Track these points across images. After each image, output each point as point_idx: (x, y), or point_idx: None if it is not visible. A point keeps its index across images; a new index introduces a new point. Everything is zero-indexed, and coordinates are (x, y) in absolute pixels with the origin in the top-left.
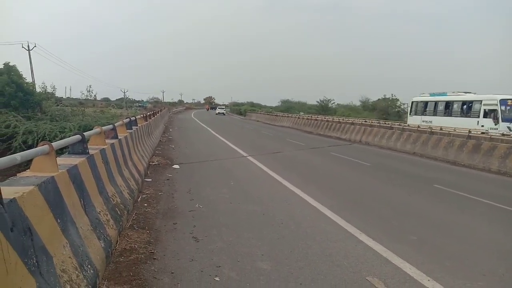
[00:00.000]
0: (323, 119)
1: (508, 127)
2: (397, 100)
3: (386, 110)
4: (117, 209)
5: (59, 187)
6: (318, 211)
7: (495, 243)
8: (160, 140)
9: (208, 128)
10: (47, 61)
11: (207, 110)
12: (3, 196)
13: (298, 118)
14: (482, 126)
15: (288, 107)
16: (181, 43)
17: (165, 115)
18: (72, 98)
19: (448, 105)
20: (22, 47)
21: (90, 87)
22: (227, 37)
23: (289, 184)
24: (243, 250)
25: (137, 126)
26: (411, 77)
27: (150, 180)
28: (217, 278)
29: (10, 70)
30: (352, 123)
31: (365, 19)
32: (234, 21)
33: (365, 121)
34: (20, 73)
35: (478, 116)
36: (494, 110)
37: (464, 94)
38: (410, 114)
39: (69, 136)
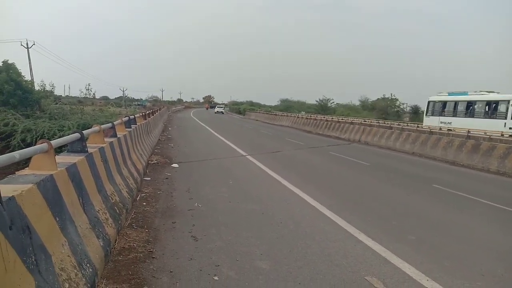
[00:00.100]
0: (322, 118)
1: None
2: (397, 100)
3: (386, 110)
4: (116, 207)
5: (58, 186)
6: (317, 211)
7: (494, 243)
8: (159, 139)
9: (207, 127)
10: (46, 59)
11: (207, 109)
12: (2, 194)
13: (298, 117)
14: (510, 128)
15: (287, 107)
16: (180, 42)
17: (164, 114)
18: (71, 97)
19: (470, 105)
20: (21, 45)
21: (89, 85)
22: (227, 36)
23: (288, 183)
24: (242, 249)
25: (136, 124)
26: (411, 76)
27: (149, 179)
28: (216, 277)
29: (9, 68)
30: (351, 123)
31: (365, 17)
32: (234, 20)
33: (364, 121)
34: (19, 71)
35: (505, 118)
36: None
37: (487, 93)
38: (426, 114)
39: (68, 135)
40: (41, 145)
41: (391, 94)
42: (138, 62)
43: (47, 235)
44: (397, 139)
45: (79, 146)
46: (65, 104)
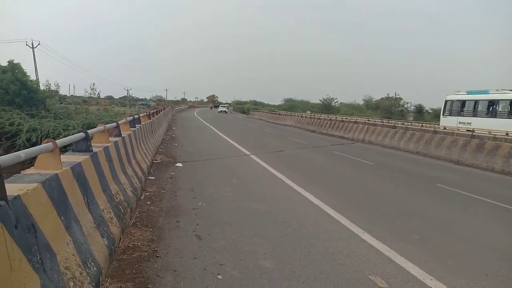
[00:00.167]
0: (326, 118)
1: None
2: (401, 99)
3: (390, 109)
4: (120, 207)
5: (63, 185)
6: (321, 210)
7: (498, 243)
8: (163, 138)
9: (211, 127)
10: (51, 59)
11: (211, 108)
12: (8, 193)
13: (301, 117)
14: None
15: (291, 106)
16: (181, 42)
17: (168, 114)
18: (76, 96)
19: (492, 104)
20: (26, 44)
21: (93, 85)
22: (230, 36)
23: (292, 182)
24: (246, 248)
25: (140, 124)
26: (411, 76)
27: (153, 178)
28: (219, 276)
29: (14, 68)
30: (355, 122)
31: (365, 17)
32: (237, 19)
33: (368, 120)
34: (24, 71)
35: None
36: None
37: (510, 92)
38: (443, 114)
39: (73, 134)
40: (46, 145)
41: (395, 93)
42: (139, 62)
43: (52, 234)
44: (401, 138)
45: (84, 146)
46: (70, 104)
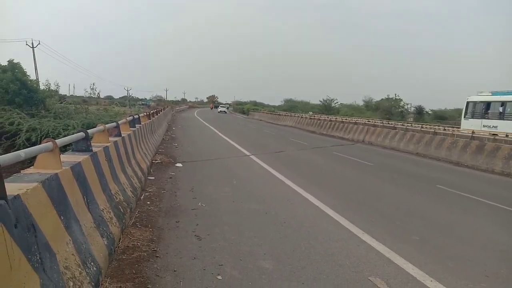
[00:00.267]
0: (326, 118)
1: None
2: (401, 100)
3: (390, 110)
4: (120, 207)
5: (63, 184)
6: (320, 211)
7: (498, 244)
8: (163, 139)
9: (211, 127)
10: (51, 58)
11: (211, 108)
12: (8, 193)
13: (301, 117)
14: None
15: (291, 107)
16: (185, 42)
17: (168, 114)
18: (76, 96)
19: None
20: (26, 44)
21: (93, 85)
22: (230, 36)
23: (291, 183)
24: (246, 249)
25: (140, 124)
26: (411, 76)
27: (153, 178)
28: (219, 277)
29: (14, 68)
30: (355, 123)
31: (368, 16)
32: (237, 19)
33: (368, 121)
34: (24, 70)
35: None
36: None
37: None
38: (465, 117)
39: (73, 134)
40: (46, 144)
41: (395, 94)
42: (139, 62)
43: (52, 233)
44: (401, 140)
45: (83, 145)
46: (70, 104)
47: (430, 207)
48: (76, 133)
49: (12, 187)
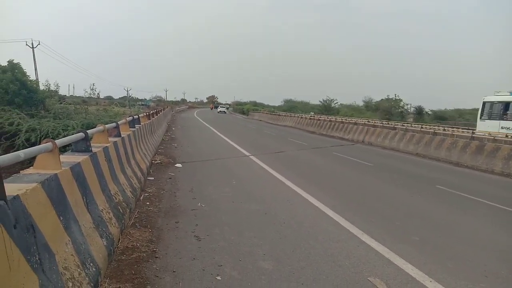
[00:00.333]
0: (326, 119)
1: None
2: (401, 100)
3: (389, 111)
4: (119, 207)
5: (62, 185)
6: (320, 211)
7: (497, 245)
8: (162, 139)
9: (211, 127)
10: (51, 59)
11: (211, 109)
12: (7, 193)
13: (301, 117)
14: None
15: (291, 107)
16: (185, 42)
17: (168, 114)
18: (75, 96)
19: None
20: (26, 44)
21: (93, 85)
22: (230, 36)
23: (291, 184)
24: (245, 249)
25: (140, 124)
26: (411, 76)
27: (152, 178)
28: (218, 277)
29: (14, 68)
30: (355, 123)
31: (368, 16)
32: (237, 19)
33: (368, 121)
34: (24, 70)
35: None
36: None
37: None
38: (481, 118)
39: (72, 134)
40: (45, 145)
41: (395, 94)
42: (139, 62)
43: (51, 234)
44: (401, 140)
45: (83, 146)
46: (70, 104)
47: (429, 207)
48: (75, 133)
49: (11, 188)
